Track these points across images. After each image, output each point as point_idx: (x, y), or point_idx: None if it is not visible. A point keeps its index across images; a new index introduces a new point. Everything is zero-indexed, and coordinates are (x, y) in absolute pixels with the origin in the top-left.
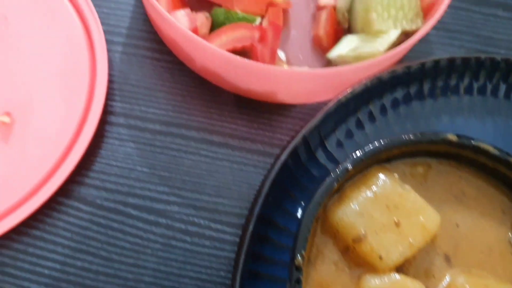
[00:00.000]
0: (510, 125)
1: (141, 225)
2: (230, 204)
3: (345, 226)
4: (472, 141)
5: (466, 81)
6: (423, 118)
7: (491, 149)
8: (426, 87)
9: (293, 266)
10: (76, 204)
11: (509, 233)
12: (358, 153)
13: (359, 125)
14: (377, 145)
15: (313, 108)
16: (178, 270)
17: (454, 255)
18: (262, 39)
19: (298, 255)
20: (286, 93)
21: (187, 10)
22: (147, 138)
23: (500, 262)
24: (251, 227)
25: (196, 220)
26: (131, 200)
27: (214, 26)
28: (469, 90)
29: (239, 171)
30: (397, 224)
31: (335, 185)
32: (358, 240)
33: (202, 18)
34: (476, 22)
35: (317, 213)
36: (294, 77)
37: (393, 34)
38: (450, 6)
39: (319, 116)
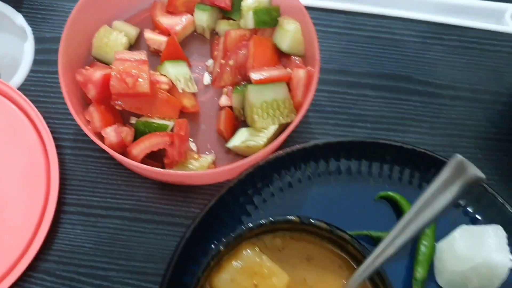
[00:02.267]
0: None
1: None
2: (156, 267)
3: None
4: (310, 220)
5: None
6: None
7: (323, 225)
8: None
9: None
10: (41, 275)
11: (343, 281)
12: (229, 236)
13: (250, 199)
14: (242, 229)
15: (219, 185)
16: None
17: None
18: (171, 143)
19: None
20: (195, 181)
21: (115, 126)
22: (92, 221)
23: None
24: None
25: (130, 281)
26: (82, 270)
27: (137, 134)
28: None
29: (162, 240)
30: (256, 286)
31: (211, 262)
32: None
33: (126, 130)
34: (349, 102)
35: (199, 282)
36: (189, 176)
37: (272, 129)
38: (327, 91)
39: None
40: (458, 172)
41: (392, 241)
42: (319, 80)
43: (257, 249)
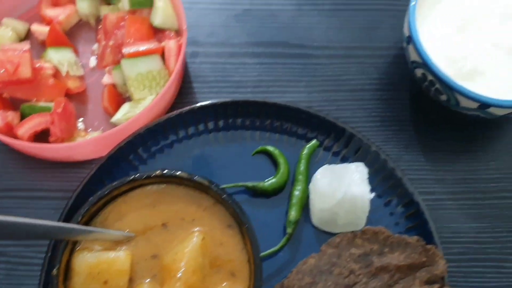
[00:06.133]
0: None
1: None
2: None
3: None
4: (172, 172)
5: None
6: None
7: (184, 175)
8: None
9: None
10: None
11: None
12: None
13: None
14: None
15: None
16: None
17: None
18: (52, 122)
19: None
20: (79, 155)
21: (0, 111)
22: None
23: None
24: None
25: (25, 254)
26: None
27: (24, 117)
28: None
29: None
30: (106, 282)
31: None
32: None
33: (12, 114)
34: (230, 71)
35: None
36: (68, 148)
37: (149, 99)
38: (209, 62)
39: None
40: None
41: None
42: (202, 53)
43: (85, 252)
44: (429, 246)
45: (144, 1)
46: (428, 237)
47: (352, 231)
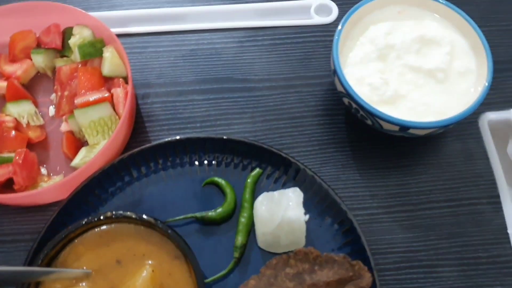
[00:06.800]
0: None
1: None
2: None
3: None
4: (123, 213)
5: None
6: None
7: (132, 215)
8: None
9: None
10: None
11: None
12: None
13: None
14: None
15: None
16: None
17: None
18: (14, 173)
19: None
20: (43, 200)
21: None
22: None
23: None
24: None
25: None
26: None
27: None
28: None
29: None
30: None
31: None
32: None
33: None
34: (179, 108)
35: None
36: (32, 195)
37: (103, 143)
38: (160, 102)
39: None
40: None
41: None
42: (153, 93)
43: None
44: (354, 262)
45: (94, 52)
46: (361, 250)
47: (287, 253)
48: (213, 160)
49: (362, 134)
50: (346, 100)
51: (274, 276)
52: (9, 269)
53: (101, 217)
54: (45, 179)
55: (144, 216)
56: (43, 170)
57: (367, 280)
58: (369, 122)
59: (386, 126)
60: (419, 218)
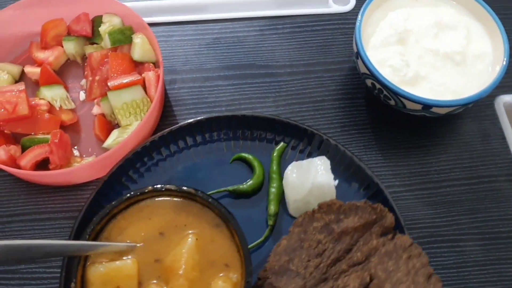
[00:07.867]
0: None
1: None
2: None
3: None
4: (163, 186)
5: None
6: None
7: (172, 187)
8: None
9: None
10: None
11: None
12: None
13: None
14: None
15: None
16: None
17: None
18: (51, 152)
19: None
20: (77, 179)
21: (3, 146)
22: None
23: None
24: None
25: (36, 270)
26: None
27: (24, 150)
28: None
29: (61, 233)
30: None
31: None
32: None
33: (14, 148)
34: (205, 93)
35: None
36: (69, 173)
37: (135, 124)
38: (186, 87)
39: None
40: None
41: None
42: (180, 79)
43: (96, 265)
44: (375, 205)
45: (123, 39)
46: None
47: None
48: (239, 137)
49: (383, 116)
50: (369, 81)
51: (304, 232)
52: (61, 243)
53: (143, 191)
54: (78, 160)
55: (184, 188)
56: (76, 152)
57: (390, 220)
58: (392, 102)
59: (409, 105)
60: (440, 195)
